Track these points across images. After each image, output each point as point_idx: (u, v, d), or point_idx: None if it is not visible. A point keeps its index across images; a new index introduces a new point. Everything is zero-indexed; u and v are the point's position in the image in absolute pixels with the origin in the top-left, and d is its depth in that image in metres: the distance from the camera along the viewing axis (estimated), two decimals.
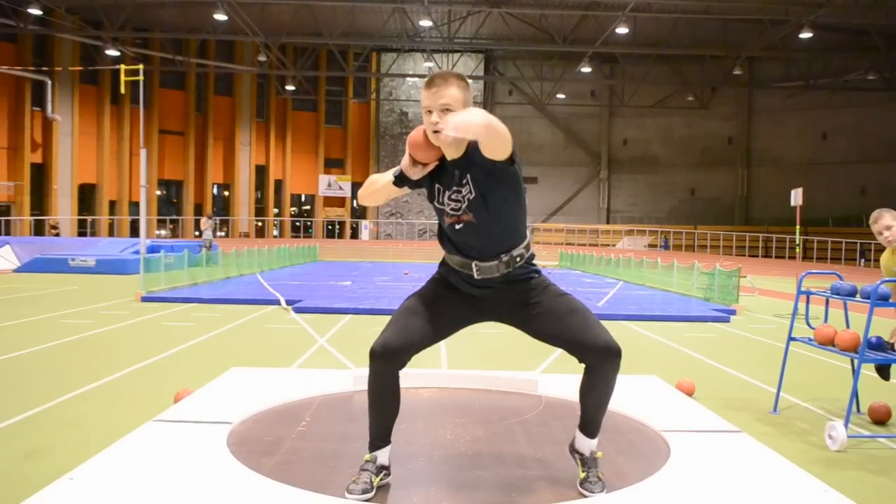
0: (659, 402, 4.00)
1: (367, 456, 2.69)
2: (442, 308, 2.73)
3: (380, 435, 2.71)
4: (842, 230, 33.05)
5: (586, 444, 2.79)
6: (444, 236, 2.75)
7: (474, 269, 2.65)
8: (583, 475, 2.72)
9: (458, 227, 2.63)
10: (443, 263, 2.82)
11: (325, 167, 44.74)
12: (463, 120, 2.25)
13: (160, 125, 38.04)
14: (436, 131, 2.48)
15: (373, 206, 45.59)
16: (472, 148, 2.55)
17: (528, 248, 2.73)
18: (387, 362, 2.60)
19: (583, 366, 2.69)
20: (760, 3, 27.95)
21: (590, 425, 2.78)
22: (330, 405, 3.95)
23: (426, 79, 2.56)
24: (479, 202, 2.57)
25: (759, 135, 41.56)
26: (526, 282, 2.73)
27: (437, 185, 2.65)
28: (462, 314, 2.78)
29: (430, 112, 2.49)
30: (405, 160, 2.57)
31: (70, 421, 4.50)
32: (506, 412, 3.85)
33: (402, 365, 2.64)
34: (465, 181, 2.57)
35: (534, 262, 2.78)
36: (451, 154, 2.57)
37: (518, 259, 2.67)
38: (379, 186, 2.69)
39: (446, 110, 2.46)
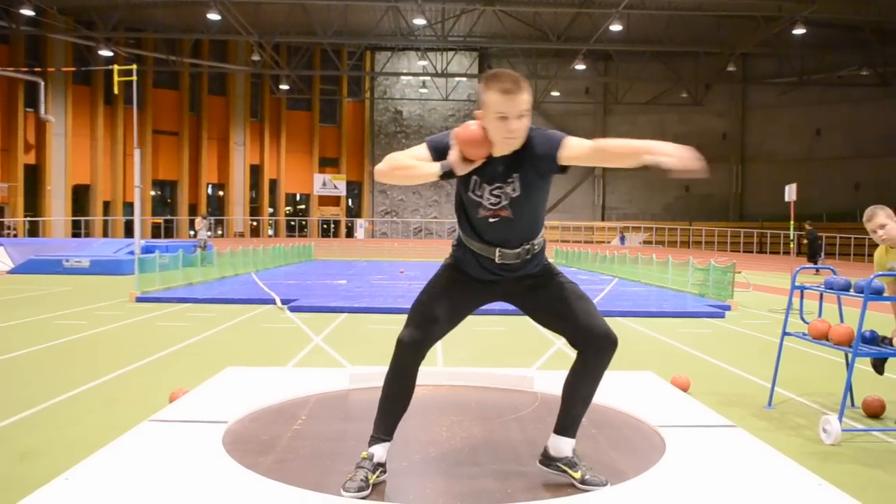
0: (654, 398, 4.01)
1: (364, 453, 2.69)
2: (458, 295, 2.76)
3: (386, 428, 2.73)
4: (836, 225, 33.12)
5: (568, 445, 2.77)
6: (467, 222, 2.72)
7: (497, 255, 2.67)
8: (579, 475, 2.71)
9: (491, 220, 2.63)
10: (459, 245, 2.79)
11: (320, 166, 44.69)
12: (685, 157, 2.32)
13: (154, 125, 37.93)
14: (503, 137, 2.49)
15: (367, 203, 45.58)
16: (526, 148, 2.54)
17: (542, 236, 2.78)
18: (413, 352, 2.65)
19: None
20: (754, 0, 28.00)
21: (573, 424, 2.79)
22: (325, 404, 3.95)
23: (495, 83, 2.45)
24: (522, 200, 2.59)
25: (753, 131, 41.64)
26: (537, 271, 2.79)
27: (474, 177, 2.60)
28: (476, 298, 2.81)
29: (504, 118, 2.44)
30: (455, 157, 2.49)
31: (65, 422, 4.49)
32: (502, 409, 3.85)
33: (425, 355, 2.69)
34: (511, 179, 2.57)
35: (544, 249, 2.83)
36: (503, 151, 2.55)
37: (536, 248, 2.73)
38: (415, 174, 2.55)
39: (521, 116, 2.46)
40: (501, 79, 2.46)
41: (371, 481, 2.61)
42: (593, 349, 2.69)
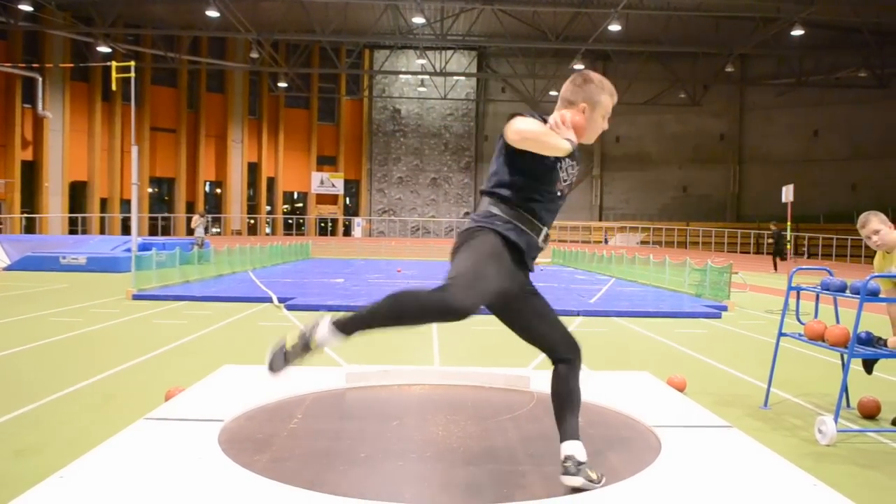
0: (650, 398, 4.02)
1: (314, 343, 2.69)
2: (507, 274, 2.67)
3: (358, 330, 2.66)
4: (833, 227, 33.18)
5: (581, 447, 2.74)
6: (537, 196, 2.73)
7: (542, 235, 2.78)
8: (595, 475, 2.68)
9: (559, 193, 2.83)
10: (508, 221, 2.70)
11: (318, 164, 44.67)
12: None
13: (152, 122, 37.86)
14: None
15: (365, 202, 45.53)
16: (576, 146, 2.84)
17: None
18: (453, 318, 2.46)
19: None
20: (752, 1, 28.02)
21: (577, 425, 2.78)
22: (322, 403, 3.95)
23: (607, 88, 2.85)
24: (574, 183, 2.95)
25: (751, 132, 41.68)
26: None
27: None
28: (508, 290, 2.75)
29: (605, 118, 2.86)
30: (575, 136, 2.70)
31: (61, 419, 4.48)
32: (498, 408, 3.86)
33: None
34: (575, 160, 2.87)
35: None
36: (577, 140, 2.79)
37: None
38: (551, 143, 2.57)
39: None
40: (610, 84, 2.86)
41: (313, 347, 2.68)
42: (575, 354, 2.84)
